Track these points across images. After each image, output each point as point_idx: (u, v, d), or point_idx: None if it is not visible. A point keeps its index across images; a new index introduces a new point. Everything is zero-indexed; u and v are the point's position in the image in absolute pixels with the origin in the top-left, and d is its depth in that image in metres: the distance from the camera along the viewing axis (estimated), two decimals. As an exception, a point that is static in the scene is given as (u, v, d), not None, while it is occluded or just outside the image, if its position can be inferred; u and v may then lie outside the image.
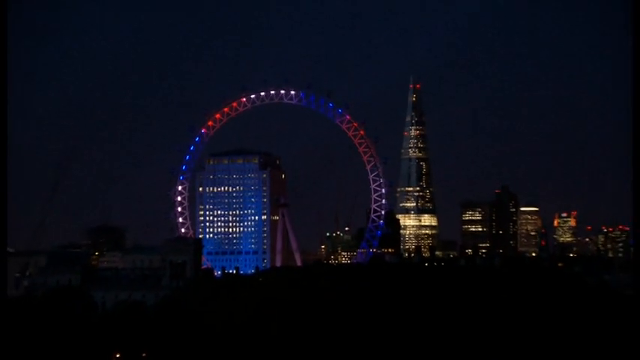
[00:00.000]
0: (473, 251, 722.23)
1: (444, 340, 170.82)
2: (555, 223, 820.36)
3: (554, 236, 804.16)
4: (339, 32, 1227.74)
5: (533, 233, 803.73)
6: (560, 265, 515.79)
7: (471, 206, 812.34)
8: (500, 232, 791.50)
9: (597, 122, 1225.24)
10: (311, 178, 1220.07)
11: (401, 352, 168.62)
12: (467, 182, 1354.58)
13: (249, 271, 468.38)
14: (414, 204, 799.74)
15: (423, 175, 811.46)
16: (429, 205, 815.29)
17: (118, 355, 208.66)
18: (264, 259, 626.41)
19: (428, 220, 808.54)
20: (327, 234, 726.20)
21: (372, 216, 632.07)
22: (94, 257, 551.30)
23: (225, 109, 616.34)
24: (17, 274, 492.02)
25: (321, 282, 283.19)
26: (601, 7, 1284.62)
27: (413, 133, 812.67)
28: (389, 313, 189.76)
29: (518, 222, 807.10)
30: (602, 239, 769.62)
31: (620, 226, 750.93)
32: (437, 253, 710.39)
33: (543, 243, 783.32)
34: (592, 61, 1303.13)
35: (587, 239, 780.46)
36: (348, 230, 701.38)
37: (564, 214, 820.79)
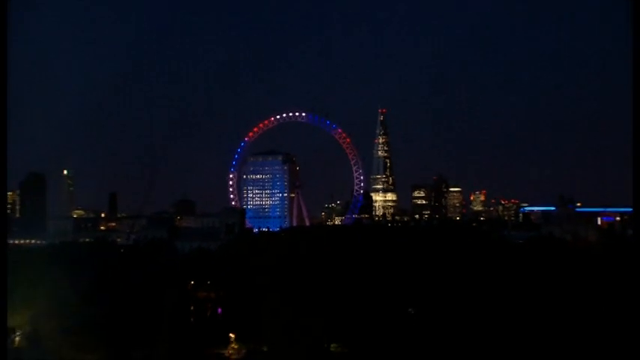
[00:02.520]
0: (419, 217, 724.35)
1: (398, 274, 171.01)
2: (471, 198, 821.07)
3: (471, 207, 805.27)
4: (334, 71, 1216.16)
5: (457, 205, 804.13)
6: (474, 225, 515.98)
7: (418, 187, 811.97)
8: (437, 204, 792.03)
9: (499, 127, 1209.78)
10: (315, 169, 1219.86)
11: (372, 281, 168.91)
12: (415, 172, 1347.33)
13: (276, 229, 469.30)
14: (381, 186, 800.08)
15: (387, 167, 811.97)
16: (391, 186, 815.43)
17: (192, 282, 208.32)
18: (285, 221, 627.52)
19: (390, 196, 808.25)
20: (326, 205, 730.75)
21: (355, 194, 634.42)
22: (177, 220, 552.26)
23: (260, 125, 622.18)
24: (127, 231, 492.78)
25: (322, 236, 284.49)
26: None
27: (381, 140, 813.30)
28: (365, 255, 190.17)
29: (448, 197, 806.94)
30: (501, 208, 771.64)
31: (512, 200, 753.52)
32: (396, 217, 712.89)
33: (464, 211, 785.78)
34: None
35: (491, 209, 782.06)
36: (339, 203, 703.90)
37: (477, 192, 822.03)
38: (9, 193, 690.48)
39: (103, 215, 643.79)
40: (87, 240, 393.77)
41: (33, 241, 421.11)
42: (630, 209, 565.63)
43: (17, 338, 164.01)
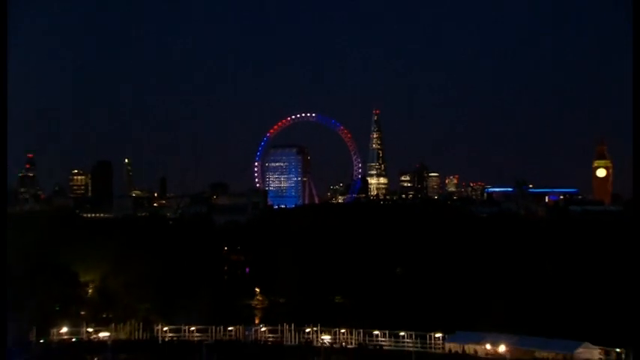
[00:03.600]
0: (405, 196, 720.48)
1: (388, 241, 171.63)
2: (447, 181, 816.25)
3: (446, 188, 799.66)
4: (339, 77, 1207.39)
5: (435, 186, 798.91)
6: (448, 202, 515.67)
7: (404, 173, 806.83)
8: (419, 186, 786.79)
9: (470, 124, 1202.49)
10: (323, 158, 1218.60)
11: (367, 247, 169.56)
12: (402, 160, 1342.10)
13: (291, 206, 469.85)
14: (375, 172, 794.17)
15: (380, 157, 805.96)
16: (383, 172, 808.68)
17: (226, 248, 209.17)
18: (298, 200, 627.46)
19: (382, 180, 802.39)
20: (331, 187, 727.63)
21: (354, 178, 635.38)
22: (213, 199, 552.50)
23: (279, 123, 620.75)
24: (175, 207, 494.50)
25: (329, 211, 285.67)
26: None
27: (375, 135, 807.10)
28: (362, 227, 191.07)
29: (428, 180, 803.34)
30: (470, 189, 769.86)
31: (479, 183, 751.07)
32: (387, 197, 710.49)
33: (441, 191, 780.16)
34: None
35: (462, 190, 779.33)
36: (341, 185, 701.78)
37: (451, 177, 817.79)
38: (82, 177, 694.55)
39: (155, 195, 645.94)
40: (143, 214, 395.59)
41: (101, 215, 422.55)
42: (572, 190, 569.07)
43: (90, 290, 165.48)
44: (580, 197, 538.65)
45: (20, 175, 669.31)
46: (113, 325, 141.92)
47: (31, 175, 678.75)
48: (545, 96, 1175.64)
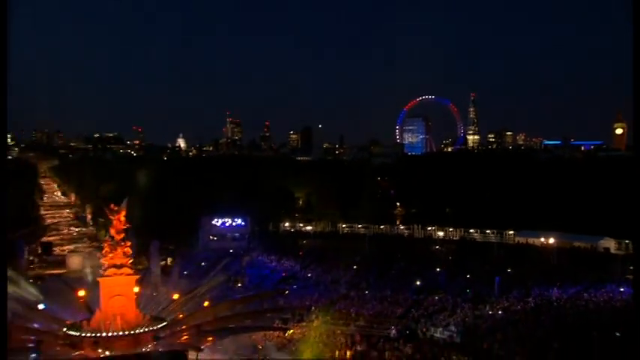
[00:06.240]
0: (490, 147, 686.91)
1: (481, 175, 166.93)
2: (517, 137, 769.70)
3: (517, 142, 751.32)
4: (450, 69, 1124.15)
5: (510, 141, 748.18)
6: (518, 151, 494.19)
7: (491, 132, 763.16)
8: (499, 140, 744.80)
9: (532, 95, 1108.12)
10: (439, 124, 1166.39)
11: (466, 177, 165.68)
12: (489, 125, 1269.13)
13: (419, 153, 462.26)
14: (472, 132, 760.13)
15: (475, 123, 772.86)
16: (477, 132, 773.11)
17: (378, 179, 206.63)
18: (423, 150, 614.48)
19: (476, 137, 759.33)
20: (443, 141, 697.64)
21: (459, 136, 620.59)
22: (371, 149, 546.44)
23: (412, 102, 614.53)
24: (349, 154, 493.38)
25: (442, 157, 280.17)
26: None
27: (471, 109, 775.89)
28: (464, 164, 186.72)
29: (505, 137, 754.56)
30: (533, 142, 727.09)
31: (539, 138, 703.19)
32: (479, 148, 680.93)
33: (514, 144, 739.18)
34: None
35: (528, 142, 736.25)
36: (450, 140, 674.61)
37: (520, 134, 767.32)
38: (295, 136, 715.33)
39: (336, 146, 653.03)
40: (330, 158, 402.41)
41: (306, 159, 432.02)
42: (599, 142, 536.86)
43: (300, 201, 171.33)
44: (605, 147, 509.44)
45: (261, 135, 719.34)
46: (313, 222, 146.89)
47: (267, 134, 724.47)
48: (583, 75, 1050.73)
